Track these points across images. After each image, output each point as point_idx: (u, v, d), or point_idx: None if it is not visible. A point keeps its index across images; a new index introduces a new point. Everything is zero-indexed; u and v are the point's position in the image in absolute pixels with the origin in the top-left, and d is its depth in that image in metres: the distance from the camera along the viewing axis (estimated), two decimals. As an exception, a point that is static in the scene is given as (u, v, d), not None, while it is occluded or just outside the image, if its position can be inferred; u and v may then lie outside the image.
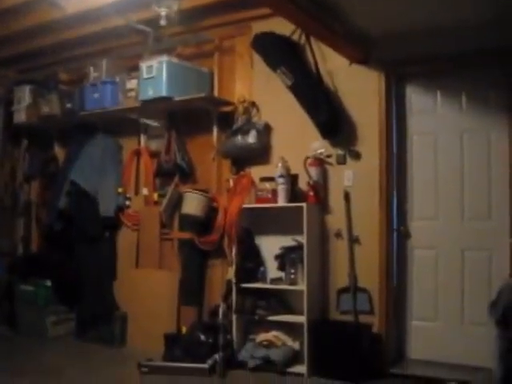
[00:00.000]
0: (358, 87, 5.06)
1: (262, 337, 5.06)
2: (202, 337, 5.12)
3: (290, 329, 5.03)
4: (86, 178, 6.21)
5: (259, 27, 5.39)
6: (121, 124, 6.30)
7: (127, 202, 6.16)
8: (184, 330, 5.42)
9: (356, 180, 5.02)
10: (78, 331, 6.19)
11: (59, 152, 6.92)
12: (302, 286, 4.86)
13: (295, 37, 5.21)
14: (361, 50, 4.95)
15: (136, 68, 5.71)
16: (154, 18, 5.36)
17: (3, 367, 5.06)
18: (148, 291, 5.75)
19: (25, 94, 6.83)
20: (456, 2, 4.11)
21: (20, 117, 6.87)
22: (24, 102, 6.82)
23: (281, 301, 5.15)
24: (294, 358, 4.93)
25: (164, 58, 5.43)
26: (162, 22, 5.29)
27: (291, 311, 5.11)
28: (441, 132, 4.93)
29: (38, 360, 5.38)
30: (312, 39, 5.13)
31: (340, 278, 5.02)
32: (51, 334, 6.16)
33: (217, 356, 4.84)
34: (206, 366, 4.80)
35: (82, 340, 6.02)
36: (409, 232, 5.02)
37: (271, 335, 5.04)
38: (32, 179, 7.18)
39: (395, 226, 5.00)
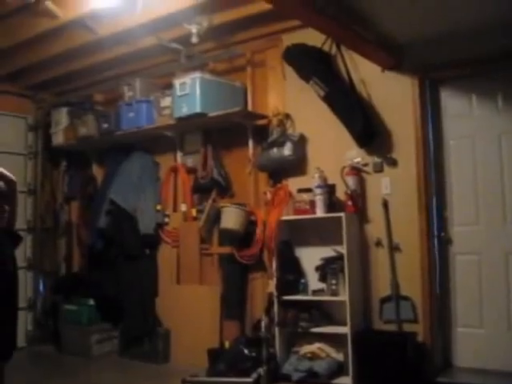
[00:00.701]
0: (391, 94, 5.02)
1: (306, 349, 5.03)
2: (246, 351, 5.12)
3: (334, 340, 4.99)
4: (125, 197, 6.28)
5: (290, 39, 5.40)
6: (157, 142, 6.36)
7: (166, 219, 6.21)
8: (227, 344, 5.43)
9: (394, 187, 4.97)
10: (122, 349, 6.24)
11: (97, 172, 7.01)
12: (344, 297, 4.82)
13: (326, 47, 5.20)
14: (393, 57, 4.92)
15: (169, 86, 5.78)
16: (185, 35, 5.41)
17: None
18: (190, 307, 5.78)
19: (62, 117, 6.96)
20: (487, 3, 4.07)
21: (58, 139, 6.98)
22: (61, 125, 6.94)
23: (323, 312, 5.12)
24: (339, 369, 4.89)
25: (197, 75, 5.47)
26: (194, 39, 5.34)
27: (334, 322, 5.07)
28: (478, 135, 4.86)
29: (83, 378, 5.46)
30: (343, 48, 5.12)
31: (382, 286, 4.97)
32: (95, 352, 6.21)
33: (261, 370, 4.83)
34: (250, 380, 4.79)
35: (125, 357, 6.08)
36: (450, 238, 4.94)
37: (315, 347, 5.01)
38: (72, 200, 7.29)
39: (436, 233, 4.94)
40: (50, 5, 5.00)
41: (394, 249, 4.92)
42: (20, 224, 6.65)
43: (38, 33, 5.51)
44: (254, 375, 4.81)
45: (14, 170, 6.94)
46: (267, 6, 4.35)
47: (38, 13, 5.15)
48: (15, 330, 3.61)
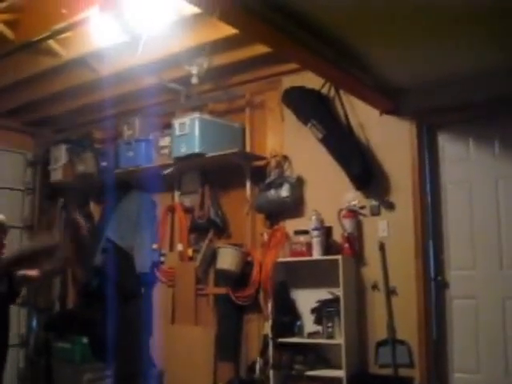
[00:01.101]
0: (389, 137, 5.06)
1: (301, 392, 4.98)
2: (240, 393, 5.07)
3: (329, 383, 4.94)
4: (122, 235, 6.27)
5: (289, 82, 5.46)
6: (155, 181, 6.36)
7: (162, 258, 6.19)
8: (221, 386, 5.38)
9: (391, 231, 4.97)
10: (115, 389, 6.17)
11: (95, 209, 7.00)
12: (339, 340, 4.78)
13: (325, 90, 5.26)
14: (391, 101, 4.97)
15: (169, 125, 5.82)
16: (185, 76, 5.46)
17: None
18: (184, 347, 5.72)
19: (61, 154, 6.97)
20: (484, 50, 4.14)
21: (56, 176, 6.99)
22: (60, 162, 6.95)
23: (318, 355, 5.07)
24: (334, 414, 4.84)
25: (196, 115, 5.52)
26: (194, 80, 5.39)
27: (329, 365, 5.02)
28: (475, 180, 4.87)
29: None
30: (341, 92, 5.18)
31: (378, 330, 4.93)
32: (88, 391, 6.14)
33: (255, 413, 4.78)
34: (244, 423, 4.74)
35: (119, 398, 6.00)
36: (447, 282, 4.92)
37: (310, 391, 4.96)
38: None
39: (432, 276, 4.93)
40: (52, 44, 5.05)
41: (390, 292, 4.90)
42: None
43: (39, 70, 5.55)
44: (248, 419, 4.77)
45: (11, 205, 7.10)
46: (267, 49, 4.40)
47: (40, 51, 5.19)
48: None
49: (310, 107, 5.21)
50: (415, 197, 4.90)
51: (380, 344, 4.91)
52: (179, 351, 5.73)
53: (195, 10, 3.82)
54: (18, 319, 6.87)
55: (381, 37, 3.92)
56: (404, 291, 4.86)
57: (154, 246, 6.19)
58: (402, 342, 4.81)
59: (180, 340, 5.78)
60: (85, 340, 6.34)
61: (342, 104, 5.18)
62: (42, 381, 6.57)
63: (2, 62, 5.36)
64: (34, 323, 7.13)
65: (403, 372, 4.77)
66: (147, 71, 5.49)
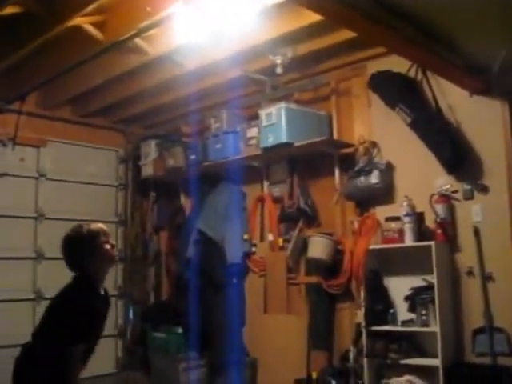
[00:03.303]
0: (480, 119, 4.90)
1: (395, 381, 4.91)
2: (333, 382, 5.07)
3: (424, 373, 4.84)
4: (212, 227, 6.36)
5: (374, 67, 5.38)
6: (243, 172, 6.42)
7: (253, 249, 6.25)
8: (314, 375, 5.36)
9: (485, 215, 4.82)
10: (210, 378, 6.26)
11: (185, 202, 7.14)
12: (434, 328, 4.69)
13: (411, 73, 5.15)
14: (481, 81, 4.81)
15: (255, 116, 5.85)
16: (269, 66, 5.48)
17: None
18: (277, 336, 5.77)
19: (151, 149, 7.15)
20: None
21: (147, 170, 7.17)
22: (150, 156, 7.13)
23: (413, 343, 4.98)
24: (430, 403, 4.75)
25: (282, 105, 5.51)
26: (278, 70, 5.40)
27: (424, 354, 4.93)
28: None
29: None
30: (429, 74, 5.06)
31: (474, 317, 4.80)
32: (183, 380, 6.24)
33: (349, 402, 4.76)
34: (338, 412, 4.73)
35: (213, 387, 6.11)
36: (547, 267, 4.75)
37: (405, 380, 4.88)
38: (161, 230, 7.45)
39: (532, 261, 4.76)
40: (139, 42, 5.16)
41: (486, 278, 4.76)
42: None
43: (128, 69, 5.69)
44: (343, 407, 4.75)
45: (106, 201, 7.34)
46: (351, 35, 4.36)
47: (127, 50, 5.32)
48: None
49: (397, 91, 5.12)
50: (510, 179, 4.73)
51: (477, 332, 4.77)
52: (272, 340, 5.78)
53: (278, -1, 3.82)
54: (116, 311, 7.12)
55: (471, 15, 3.79)
56: (501, 277, 4.70)
57: (245, 237, 6.25)
58: (500, 330, 4.66)
59: (272, 329, 5.82)
60: (179, 330, 6.48)
61: (430, 86, 5.05)
62: (139, 369, 6.77)
63: (92, 62, 5.53)
64: (131, 314, 7.36)
65: (502, 361, 4.61)
66: (232, 63, 5.53)
